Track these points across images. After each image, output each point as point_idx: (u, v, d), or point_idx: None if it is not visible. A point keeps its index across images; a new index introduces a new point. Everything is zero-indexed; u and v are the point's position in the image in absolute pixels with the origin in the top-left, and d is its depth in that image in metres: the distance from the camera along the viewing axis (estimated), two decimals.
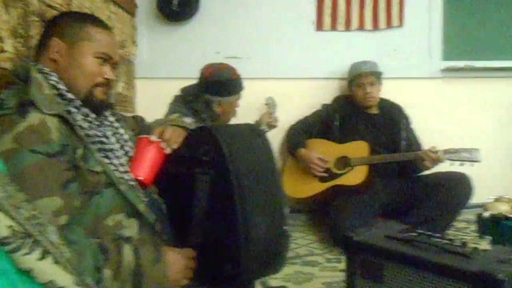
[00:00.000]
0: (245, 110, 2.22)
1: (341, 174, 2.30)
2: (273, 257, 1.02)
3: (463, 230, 2.37)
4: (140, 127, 1.29)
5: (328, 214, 2.20)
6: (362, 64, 2.48)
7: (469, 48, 2.84)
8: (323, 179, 2.33)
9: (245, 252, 0.97)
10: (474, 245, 1.02)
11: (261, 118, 2.35)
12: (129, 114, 1.69)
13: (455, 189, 2.10)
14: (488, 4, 2.83)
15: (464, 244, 0.99)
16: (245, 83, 2.10)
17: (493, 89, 2.86)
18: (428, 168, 2.17)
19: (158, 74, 2.69)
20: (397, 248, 0.98)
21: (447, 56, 2.81)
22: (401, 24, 2.80)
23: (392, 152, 2.34)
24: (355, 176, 2.24)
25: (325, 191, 2.30)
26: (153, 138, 1.10)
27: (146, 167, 1.07)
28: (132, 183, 1.02)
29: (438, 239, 1.02)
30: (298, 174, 2.45)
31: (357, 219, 1.99)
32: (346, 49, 2.73)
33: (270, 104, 2.41)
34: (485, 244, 1.69)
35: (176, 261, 0.95)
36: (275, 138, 2.60)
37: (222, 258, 0.99)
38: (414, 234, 1.07)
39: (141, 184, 1.06)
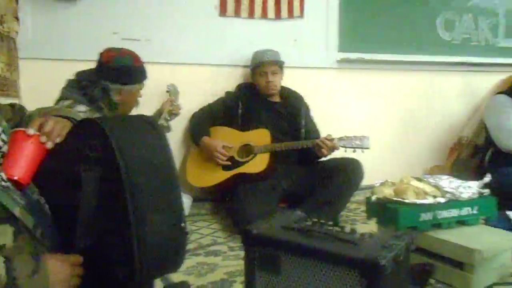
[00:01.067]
0: (145, 98, 2.10)
1: (244, 162, 2.32)
2: (170, 256, 0.98)
3: (355, 210, 2.56)
4: (18, 117, 1.14)
5: (231, 202, 2.21)
6: (265, 53, 2.51)
7: (362, 42, 3.02)
8: (226, 168, 2.33)
9: (139, 253, 0.92)
10: (362, 231, 1.08)
11: (163, 106, 2.26)
12: (8, 101, 1.49)
13: (349, 173, 2.25)
14: (381, 2, 3.04)
15: (353, 231, 1.05)
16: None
17: (383, 80, 3.11)
18: (325, 155, 2.29)
19: (45, 54, 2.41)
20: (292, 239, 1.00)
21: (342, 48, 2.97)
22: (302, 15, 2.88)
23: (293, 140, 2.43)
24: (258, 164, 2.28)
25: (228, 179, 2.31)
26: (31, 131, 0.97)
27: (22, 165, 0.95)
28: (5, 184, 0.90)
29: (330, 227, 1.07)
30: (201, 162, 2.42)
31: (259, 207, 2.04)
32: (250, 37, 2.74)
33: (172, 91, 2.33)
34: (372, 224, 1.85)
35: (59, 270, 0.85)
36: (178, 126, 2.52)
37: (114, 261, 0.93)
38: (309, 223, 1.11)
39: (17, 184, 0.93)
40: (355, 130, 2.36)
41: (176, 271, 1.00)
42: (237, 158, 2.34)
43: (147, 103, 2.29)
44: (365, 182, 2.34)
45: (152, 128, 0.98)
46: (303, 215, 1.29)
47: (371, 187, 1.92)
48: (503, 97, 2.55)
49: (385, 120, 3.11)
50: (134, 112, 2.02)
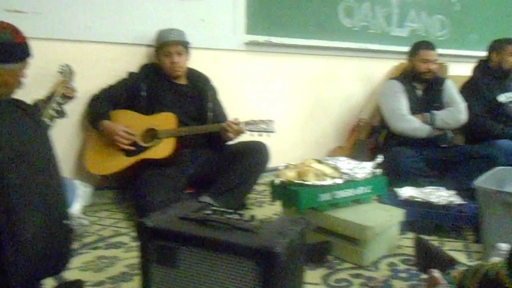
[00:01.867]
0: (34, 79, 1.88)
1: (148, 147, 2.22)
2: (53, 257, 0.89)
3: (263, 192, 2.61)
4: None
5: (134, 189, 2.11)
6: (169, 32, 2.39)
7: (270, 25, 3.03)
8: (129, 153, 2.21)
9: (12, 256, 0.82)
10: (262, 217, 1.09)
11: (55, 88, 2.05)
12: None
13: (255, 156, 2.27)
14: None
15: (252, 217, 1.05)
16: (33, 45, 1.76)
17: (289, 64, 3.17)
18: (231, 139, 2.27)
19: None
20: (188, 230, 0.97)
21: (250, 30, 2.96)
22: None
23: (199, 123, 2.38)
24: (163, 149, 2.20)
25: (132, 165, 2.19)
26: None
27: None
28: None
29: (230, 216, 1.06)
30: (102, 149, 2.26)
31: (163, 194, 1.97)
32: (155, 15, 2.59)
33: (66, 72, 2.12)
34: (278, 205, 1.90)
35: None
36: (74, 110, 2.31)
37: None
38: (208, 212, 1.09)
39: None
40: (263, 113, 2.38)
41: (61, 272, 0.92)
42: (140, 143, 2.23)
43: (36, 85, 2.07)
44: (273, 163, 2.38)
45: (25, 114, 0.87)
46: (205, 204, 1.26)
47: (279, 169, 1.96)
48: (395, 83, 2.76)
49: (292, 103, 3.20)
50: (19, 95, 1.80)
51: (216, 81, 2.62)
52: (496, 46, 2.91)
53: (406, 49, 2.87)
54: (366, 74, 3.49)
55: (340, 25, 3.30)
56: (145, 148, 2.21)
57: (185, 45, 2.41)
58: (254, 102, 3.00)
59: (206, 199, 2.10)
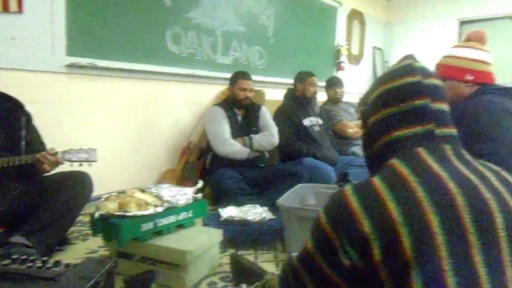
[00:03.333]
0: None
1: None
2: None
3: (88, 224, 2.48)
4: None
5: None
6: None
7: (94, 47, 2.94)
8: None
9: None
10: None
11: None
12: None
13: (75, 187, 2.14)
14: (113, 9, 3.01)
15: (56, 263, 1.02)
16: None
17: (116, 88, 3.11)
18: (48, 171, 2.12)
19: None
20: None
21: (71, 52, 2.81)
22: (20, 10, 2.57)
23: (11, 154, 2.14)
24: None
25: None
26: None
27: None
28: None
29: (31, 264, 1.01)
30: None
31: None
32: None
33: None
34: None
35: None
36: None
37: None
38: (6, 262, 1.02)
39: None
40: (87, 140, 2.28)
41: None
42: None
43: None
44: (102, 190, 2.31)
45: None
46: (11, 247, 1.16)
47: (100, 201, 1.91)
48: (218, 109, 2.99)
49: (120, 127, 3.14)
50: None
51: (32, 106, 2.40)
52: (300, 77, 3.43)
53: (230, 75, 3.15)
54: (195, 98, 3.68)
55: (168, 51, 3.40)
56: None
57: None
58: (77, 128, 2.85)
59: (18, 239, 1.90)
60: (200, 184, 2.04)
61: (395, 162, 0.85)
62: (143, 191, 1.88)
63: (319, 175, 3.02)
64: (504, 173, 0.86)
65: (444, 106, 0.94)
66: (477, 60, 1.72)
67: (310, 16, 5.01)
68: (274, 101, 3.72)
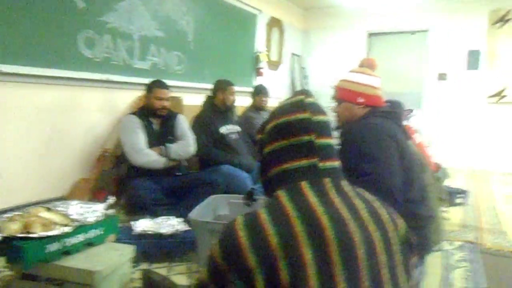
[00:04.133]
0: None
1: None
2: None
3: None
4: None
5: None
6: None
7: None
8: None
9: None
10: None
11: None
12: None
13: None
14: (16, 8, 2.80)
15: None
16: None
17: (22, 95, 2.91)
18: None
19: None
20: None
21: None
22: None
23: None
24: None
25: None
26: None
27: None
28: None
29: None
30: None
31: None
32: None
33: None
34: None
35: None
36: None
37: None
38: None
39: None
40: None
41: None
42: None
43: None
44: (7, 204, 2.17)
45: None
46: None
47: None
48: (133, 118, 2.96)
49: (26, 136, 2.96)
50: None
51: None
52: (220, 87, 3.51)
53: (148, 80, 3.11)
54: (111, 105, 3.58)
55: (80, 55, 3.26)
56: None
57: None
58: None
59: None
60: (112, 199, 2.03)
61: (281, 195, 0.96)
62: (49, 209, 1.83)
63: (235, 182, 3.14)
64: (375, 204, 1.00)
65: (329, 141, 1.06)
66: (368, 85, 1.93)
67: (231, 22, 5.10)
68: (193, 106, 3.76)
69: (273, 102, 5.13)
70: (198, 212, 2.07)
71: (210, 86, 3.65)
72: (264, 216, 0.90)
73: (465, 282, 2.10)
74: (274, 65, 6.17)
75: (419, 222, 1.67)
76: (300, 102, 1.07)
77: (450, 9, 5.85)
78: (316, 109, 1.06)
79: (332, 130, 1.09)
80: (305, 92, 1.14)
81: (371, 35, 6.57)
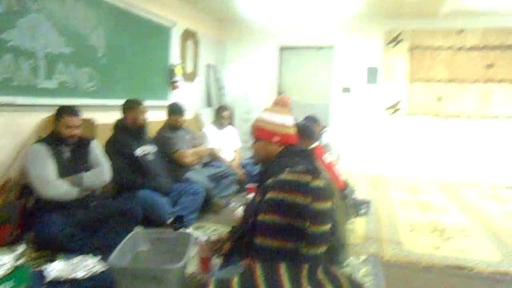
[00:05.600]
0: None
1: None
2: None
3: None
4: None
5: None
6: None
7: None
8: None
9: None
10: None
11: None
12: None
13: None
14: None
15: None
16: None
17: None
18: None
19: None
20: None
21: None
22: None
23: None
24: None
25: None
26: None
27: None
28: None
29: None
30: None
31: None
32: None
33: None
34: None
35: None
36: None
37: None
38: None
39: None
40: None
41: None
42: None
43: None
44: None
45: None
46: None
47: None
48: (40, 147, 2.74)
49: None
50: None
51: None
52: (129, 107, 3.44)
53: (56, 101, 2.91)
54: (13, 129, 3.31)
55: None
56: None
57: None
58: None
59: None
60: (21, 249, 1.92)
61: (257, 270, 1.03)
62: None
63: (153, 208, 3.12)
64: None
65: (323, 229, 1.13)
66: (281, 125, 2.07)
67: (144, 35, 4.98)
68: (107, 125, 3.62)
69: (188, 114, 5.15)
70: (118, 254, 2.03)
71: (123, 102, 3.54)
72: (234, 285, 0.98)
73: None
74: (189, 77, 6.15)
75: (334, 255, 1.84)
76: (305, 185, 1.10)
77: (353, 28, 6.36)
78: (319, 195, 1.10)
79: (328, 218, 1.15)
80: (313, 173, 1.17)
81: (282, 48, 6.86)
